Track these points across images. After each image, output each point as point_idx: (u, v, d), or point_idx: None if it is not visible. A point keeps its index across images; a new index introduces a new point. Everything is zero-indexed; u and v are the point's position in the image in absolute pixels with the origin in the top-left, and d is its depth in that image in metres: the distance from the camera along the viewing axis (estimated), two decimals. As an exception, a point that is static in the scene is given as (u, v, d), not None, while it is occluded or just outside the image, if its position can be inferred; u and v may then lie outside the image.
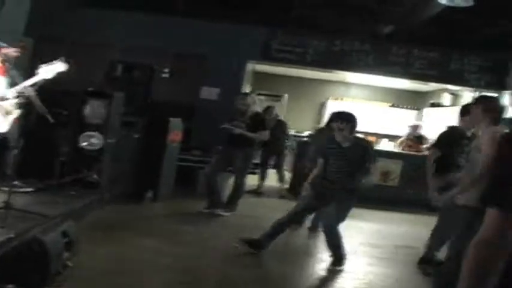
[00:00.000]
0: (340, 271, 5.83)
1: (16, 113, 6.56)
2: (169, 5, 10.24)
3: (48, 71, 5.83)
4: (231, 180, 8.37)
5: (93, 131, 7.42)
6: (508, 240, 1.78)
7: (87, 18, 10.32)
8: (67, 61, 5.90)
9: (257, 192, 10.38)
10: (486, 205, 1.82)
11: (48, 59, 5.88)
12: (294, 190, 9.83)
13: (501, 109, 5.02)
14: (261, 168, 10.67)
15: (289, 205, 6.39)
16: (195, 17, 10.32)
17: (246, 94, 9.17)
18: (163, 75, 10.62)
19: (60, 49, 6.85)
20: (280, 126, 10.73)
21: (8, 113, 6.50)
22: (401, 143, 11.50)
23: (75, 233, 4.94)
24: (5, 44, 6.16)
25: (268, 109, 10.69)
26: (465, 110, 5.78)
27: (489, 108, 4.77)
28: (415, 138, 11.30)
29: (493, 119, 4.73)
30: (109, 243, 5.75)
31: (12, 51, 6.61)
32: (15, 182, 6.31)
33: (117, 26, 10.33)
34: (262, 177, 10.62)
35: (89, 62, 9.64)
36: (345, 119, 5.96)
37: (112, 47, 10.15)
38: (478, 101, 5.08)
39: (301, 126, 14.26)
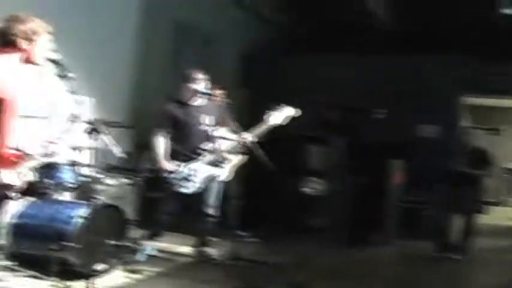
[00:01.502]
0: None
1: (236, 160, 6.69)
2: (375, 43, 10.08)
3: (277, 116, 5.81)
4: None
5: (314, 176, 7.41)
6: None
7: (296, 64, 10.43)
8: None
9: None
10: None
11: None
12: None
13: None
14: None
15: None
16: (401, 53, 10.00)
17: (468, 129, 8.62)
18: (377, 115, 10.35)
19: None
20: None
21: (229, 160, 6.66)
22: None
23: (305, 282, 4.81)
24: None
25: None
26: None
27: None
28: None
29: None
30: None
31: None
32: (239, 232, 6.47)
33: (325, 69, 10.30)
34: None
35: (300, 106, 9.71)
36: None
37: (323, 90, 10.12)
38: None
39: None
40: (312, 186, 7.47)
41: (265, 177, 6.93)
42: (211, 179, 5.82)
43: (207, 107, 5.86)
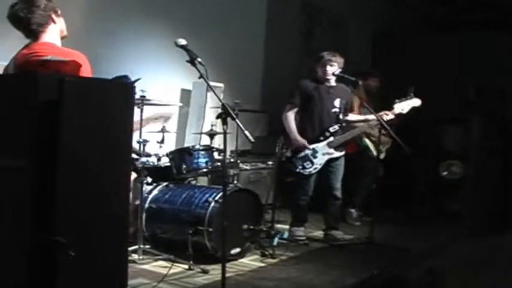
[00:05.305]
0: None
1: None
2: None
3: (403, 106, 5.72)
4: None
5: (453, 159, 7.08)
6: None
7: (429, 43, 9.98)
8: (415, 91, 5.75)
9: None
10: None
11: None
12: None
13: None
14: None
15: None
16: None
17: None
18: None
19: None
20: None
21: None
22: None
23: (442, 271, 4.57)
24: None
25: None
26: None
27: None
28: None
29: None
30: (478, 282, 5.18)
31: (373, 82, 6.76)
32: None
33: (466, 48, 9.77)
34: None
35: (440, 87, 9.30)
36: None
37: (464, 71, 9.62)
38: None
39: None
40: (452, 170, 7.13)
41: (401, 159, 6.73)
42: (333, 161, 5.76)
43: (337, 90, 5.78)
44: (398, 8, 10.53)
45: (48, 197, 2.49)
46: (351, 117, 5.95)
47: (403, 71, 8.86)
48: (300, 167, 5.67)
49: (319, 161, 5.66)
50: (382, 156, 6.60)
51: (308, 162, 5.64)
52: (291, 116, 5.73)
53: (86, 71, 3.07)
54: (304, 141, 5.64)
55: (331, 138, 5.68)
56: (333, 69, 5.66)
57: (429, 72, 9.25)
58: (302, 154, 5.67)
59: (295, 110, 5.76)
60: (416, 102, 5.80)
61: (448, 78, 9.54)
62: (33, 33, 3.18)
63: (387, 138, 6.44)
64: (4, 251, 2.56)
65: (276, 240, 5.17)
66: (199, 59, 3.71)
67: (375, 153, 6.54)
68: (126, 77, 3.18)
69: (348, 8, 9.76)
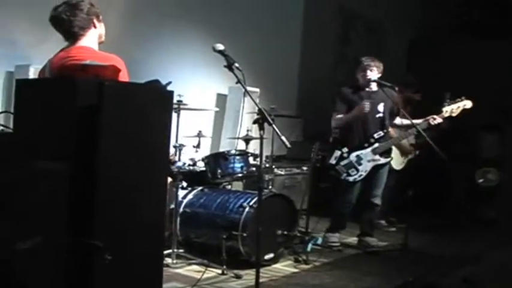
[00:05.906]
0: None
1: (413, 154, 6.46)
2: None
3: (453, 109, 5.59)
4: None
5: (489, 166, 6.95)
6: None
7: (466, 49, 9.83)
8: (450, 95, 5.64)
9: None
10: None
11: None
12: None
13: None
14: None
15: None
16: None
17: None
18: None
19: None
20: None
21: (407, 152, 6.47)
22: None
23: (478, 278, 4.49)
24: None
25: None
26: None
27: None
28: None
29: None
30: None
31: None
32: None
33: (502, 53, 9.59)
34: None
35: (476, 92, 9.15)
36: None
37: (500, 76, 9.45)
38: None
39: None
40: (488, 177, 7.02)
41: (435, 165, 6.64)
42: (377, 168, 5.65)
43: (380, 95, 5.66)
44: (434, 13, 10.42)
45: (87, 201, 2.51)
46: (398, 121, 5.89)
47: (438, 76, 8.74)
48: (345, 174, 5.59)
49: (365, 167, 5.57)
50: (399, 167, 6.54)
51: (353, 169, 5.56)
52: (338, 115, 5.62)
53: (124, 76, 3.08)
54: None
55: (376, 145, 5.60)
56: (373, 74, 5.60)
57: (465, 77, 9.09)
58: (346, 161, 5.59)
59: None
60: (467, 104, 5.62)
61: (483, 83, 9.37)
62: (73, 35, 3.19)
63: (412, 148, 6.39)
64: (42, 253, 2.58)
65: (309, 246, 5.14)
66: (236, 64, 3.71)
67: (392, 163, 6.43)
68: (157, 81, 3.20)
69: (384, 12, 9.68)
